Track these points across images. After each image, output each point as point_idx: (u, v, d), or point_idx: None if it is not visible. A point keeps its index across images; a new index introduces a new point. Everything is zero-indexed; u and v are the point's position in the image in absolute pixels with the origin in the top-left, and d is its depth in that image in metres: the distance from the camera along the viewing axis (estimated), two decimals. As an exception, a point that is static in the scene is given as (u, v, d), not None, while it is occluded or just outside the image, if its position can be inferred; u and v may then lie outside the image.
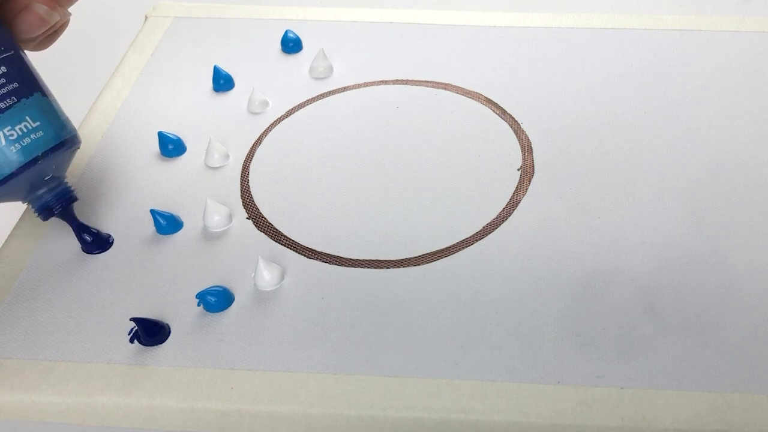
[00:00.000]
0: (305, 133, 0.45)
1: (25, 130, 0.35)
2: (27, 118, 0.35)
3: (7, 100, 0.34)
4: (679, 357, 0.33)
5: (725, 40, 0.50)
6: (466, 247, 0.38)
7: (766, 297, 0.35)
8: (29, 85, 0.35)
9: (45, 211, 0.37)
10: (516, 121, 0.45)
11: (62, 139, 0.36)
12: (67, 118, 0.37)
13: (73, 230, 0.39)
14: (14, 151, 0.34)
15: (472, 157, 0.43)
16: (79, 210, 0.41)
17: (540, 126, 0.44)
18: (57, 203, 0.37)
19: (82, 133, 0.46)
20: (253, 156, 0.44)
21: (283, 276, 0.37)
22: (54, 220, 0.39)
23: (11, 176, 0.35)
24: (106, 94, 0.49)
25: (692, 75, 0.48)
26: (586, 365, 0.33)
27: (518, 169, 0.42)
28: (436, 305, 0.35)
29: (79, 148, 0.38)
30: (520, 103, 0.46)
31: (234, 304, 0.36)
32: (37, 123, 0.35)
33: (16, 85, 0.35)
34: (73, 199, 0.38)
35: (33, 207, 0.37)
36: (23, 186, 0.36)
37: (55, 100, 0.37)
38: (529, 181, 0.41)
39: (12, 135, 0.34)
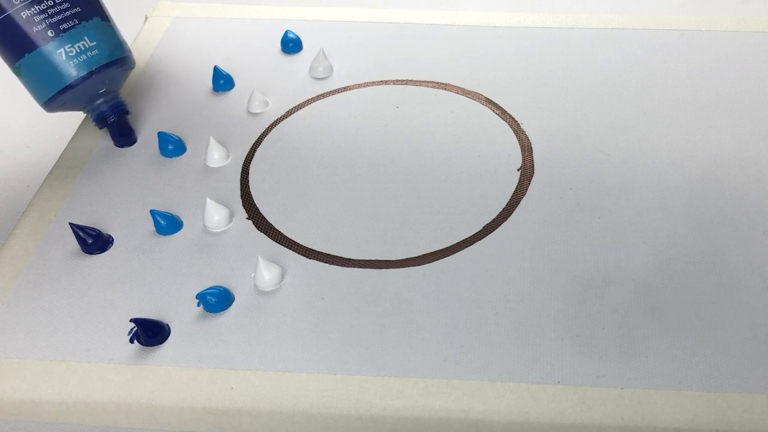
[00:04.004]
0: (305, 133, 0.45)
1: (82, 48, 0.41)
2: (85, 38, 0.41)
3: (70, 22, 0.41)
4: (679, 357, 0.33)
5: (725, 40, 0.50)
6: (466, 247, 0.38)
7: (766, 297, 0.35)
8: (89, 10, 0.42)
9: (100, 120, 0.44)
10: (516, 121, 0.45)
11: (115, 58, 0.43)
12: (122, 41, 0.44)
13: (114, 137, 0.45)
14: (72, 65, 0.41)
15: (472, 157, 0.43)
16: (79, 209, 0.41)
17: (540, 126, 0.44)
18: (111, 113, 0.44)
19: (82, 134, 0.46)
20: (253, 156, 0.44)
21: (283, 276, 0.37)
22: (56, 221, 0.39)
23: (70, 87, 0.41)
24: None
25: (692, 75, 0.48)
26: (586, 365, 0.33)
27: (518, 169, 0.42)
28: (436, 305, 0.35)
29: (132, 68, 0.45)
30: (520, 103, 0.46)
31: (234, 304, 0.36)
32: (94, 43, 0.42)
33: (78, 9, 0.41)
34: (126, 111, 0.45)
35: (91, 116, 0.44)
36: (81, 96, 0.42)
37: (114, 25, 0.44)
38: (529, 181, 0.41)
39: (71, 52, 0.41)
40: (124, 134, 0.44)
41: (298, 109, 0.47)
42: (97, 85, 0.42)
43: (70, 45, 0.41)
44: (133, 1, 0.57)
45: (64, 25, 0.41)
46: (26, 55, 0.40)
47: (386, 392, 0.32)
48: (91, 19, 0.42)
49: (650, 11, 0.55)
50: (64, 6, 0.41)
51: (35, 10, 0.40)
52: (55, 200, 0.41)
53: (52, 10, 0.41)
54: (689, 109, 0.45)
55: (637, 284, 0.36)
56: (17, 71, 0.41)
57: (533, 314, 0.35)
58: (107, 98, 0.43)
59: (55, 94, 0.41)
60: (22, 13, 0.40)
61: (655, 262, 0.37)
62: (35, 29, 0.40)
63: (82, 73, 0.41)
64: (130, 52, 0.44)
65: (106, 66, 0.42)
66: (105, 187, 0.42)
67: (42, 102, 0.42)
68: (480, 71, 0.49)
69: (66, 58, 0.41)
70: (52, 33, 0.40)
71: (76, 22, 0.41)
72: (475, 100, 0.47)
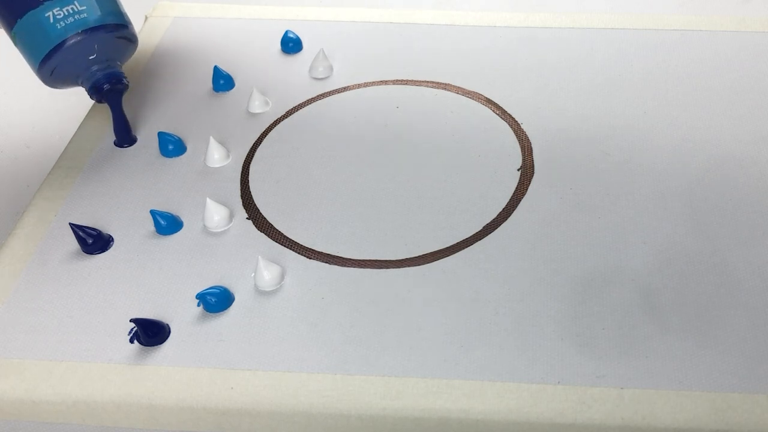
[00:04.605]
0: (305, 133, 0.45)
1: (71, 11, 0.41)
2: (75, 2, 0.42)
3: None
4: (679, 357, 0.33)
5: (725, 40, 0.50)
6: (466, 247, 0.38)
7: (766, 297, 0.35)
8: None
9: (96, 91, 0.43)
10: (516, 121, 0.45)
11: (102, 23, 0.42)
12: (120, 12, 0.44)
13: (114, 120, 0.45)
14: (59, 27, 0.41)
15: (472, 157, 0.43)
16: (79, 209, 0.41)
17: (540, 126, 0.44)
18: (105, 82, 0.43)
19: (82, 134, 0.46)
20: (253, 156, 0.44)
21: (283, 276, 0.37)
22: (56, 221, 0.39)
23: (57, 48, 0.41)
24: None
25: (692, 75, 0.48)
26: (586, 365, 0.33)
27: (518, 169, 0.42)
28: (436, 305, 0.35)
29: (133, 42, 0.45)
30: (520, 103, 0.46)
31: (234, 304, 0.36)
32: (83, 7, 0.42)
33: None
34: (121, 81, 0.44)
35: (85, 87, 0.44)
36: (72, 61, 0.42)
37: None
38: (529, 181, 0.41)
39: (59, 14, 0.41)
40: (121, 114, 0.44)
41: (298, 109, 0.47)
42: (86, 49, 0.42)
43: (58, 8, 0.41)
44: (133, 1, 0.58)
45: None
46: (18, 21, 0.41)
47: (386, 392, 0.32)
48: None
49: (650, 11, 0.55)
50: None
51: None
52: (55, 200, 0.41)
53: None
54: (689, 109, 0.45)
55: (637, 284, 0.36)
56: (14, 40, 0.42)
57: (533, 314, 0.35)
58: (102, 66, 0.43)
59: (44, 58, 0.42)
60: None
61: (655, 262, 0.37)
62: None
63: (68, 34, 0.41)
64: (130, 24, 0.44)
65: (94, 30, 0.42)
66: (105, 187, 0.42)
67: (36, 69, 0.42)
68: (480, 71, 0.49)
69: (53, 20, 0.41)
70: None
71: None
72: (475, 100, 0.47)
